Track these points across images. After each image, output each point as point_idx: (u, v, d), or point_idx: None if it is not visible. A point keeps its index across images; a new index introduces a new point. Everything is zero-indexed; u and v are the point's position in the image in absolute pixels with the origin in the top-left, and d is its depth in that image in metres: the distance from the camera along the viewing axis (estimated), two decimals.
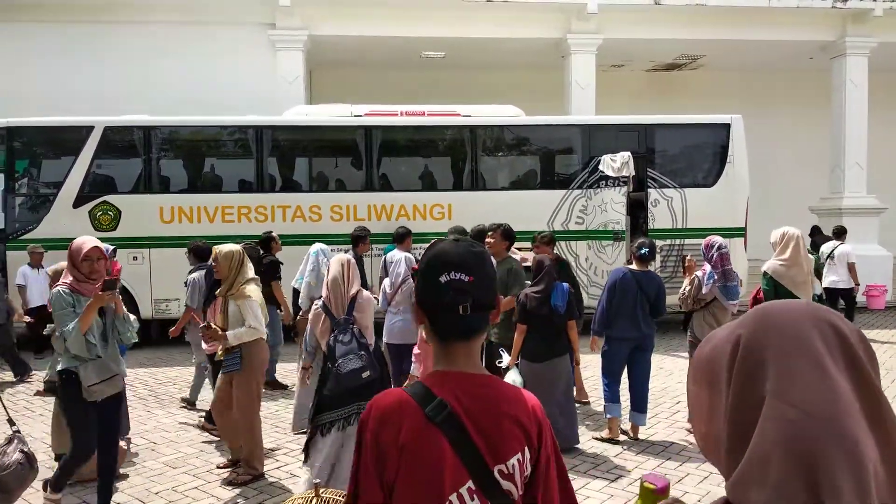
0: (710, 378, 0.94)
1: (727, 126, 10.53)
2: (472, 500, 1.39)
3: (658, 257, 10.37)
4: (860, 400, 0.83)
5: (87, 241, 3.98)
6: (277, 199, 10.00)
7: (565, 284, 5.51)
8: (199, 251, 6.62)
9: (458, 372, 1.45)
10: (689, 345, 5.86)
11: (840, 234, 10.44)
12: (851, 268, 10.03)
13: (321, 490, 3.44)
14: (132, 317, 4.17)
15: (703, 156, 10.82)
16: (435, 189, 10.51)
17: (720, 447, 0.91)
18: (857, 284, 10.15)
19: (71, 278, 3.96)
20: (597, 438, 5.67)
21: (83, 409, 3.96)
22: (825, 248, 10.37)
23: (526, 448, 1.44)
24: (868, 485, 0.79)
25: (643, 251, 5.70)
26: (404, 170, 10.93)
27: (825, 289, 10.16)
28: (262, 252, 7.68)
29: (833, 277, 10.05)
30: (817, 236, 12.49)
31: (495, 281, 1.53)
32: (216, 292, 4.96)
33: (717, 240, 5.72)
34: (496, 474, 1.41)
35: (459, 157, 10.69)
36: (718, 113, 10.90)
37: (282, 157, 10.65)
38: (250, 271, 4.85)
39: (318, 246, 7.25)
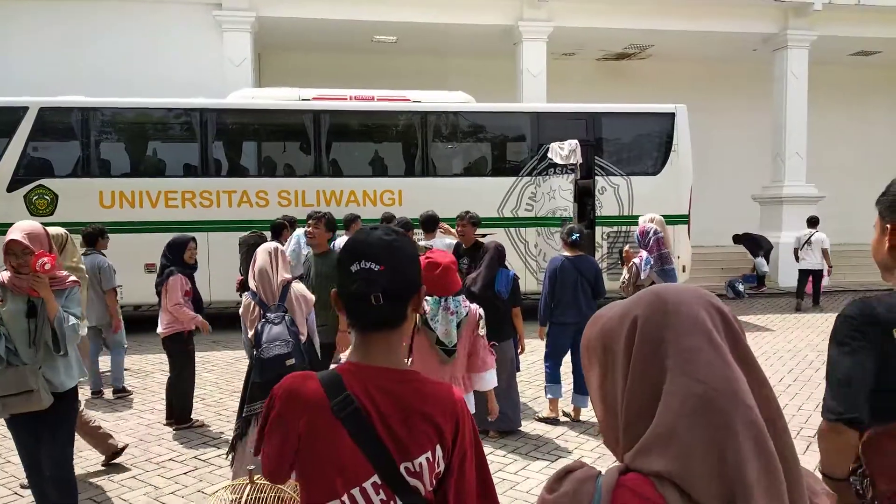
0: (603, 357, 0.98)
1: (672, 115, 10.75)
2: (378, 493, 1.38)
3: (605, 244, 10.59)
4: (744, 372, 0.90)
5: (12, 231, 3.37)
6: (223, 183, 9.80)
7: (511, 271, 5.60)
8: (87, 236, 6.61)
9: (373, 366, 1.42)
10: None
11: (814, 223, 11.47)
12: (825, 253, 11.22)
13: (255, 476, 3.42)
14: (73, 321, 3.46)
15: (648, 144, 11.03)
16: (385, 175, 10.46)
17: (617, 422, 0.94)
18: (831, 267, 11.42)
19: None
20: (538, 419, 5.77)
21: (10, 425, 3.54)
22: (801, 235, 11.50)
23: (438, 446, 1.41)
24: (772, 454, 0.85)
25: (574, 237, 5.85)
26: (353, 155, 10.83)
27: (800, 270, 11.42)
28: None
29: (809, 260, 11.30)
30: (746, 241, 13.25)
31: (413, 270, 1.48)
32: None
33: (650, 226, 5.90)
34: (402, 472, 1.38)
35: (409, 142, 10.65)
36: (665, 102, 11.11)
37: (228, 140, 10.42)
38: (74, 258, 4.52)
39: (301, 230, 7.13)
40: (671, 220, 10.53)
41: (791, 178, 14.44)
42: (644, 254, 5.76)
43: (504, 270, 5.48)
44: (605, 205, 10.56)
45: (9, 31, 12.01)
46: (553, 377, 5.79)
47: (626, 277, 5.83)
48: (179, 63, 12.16)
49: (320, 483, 1.38)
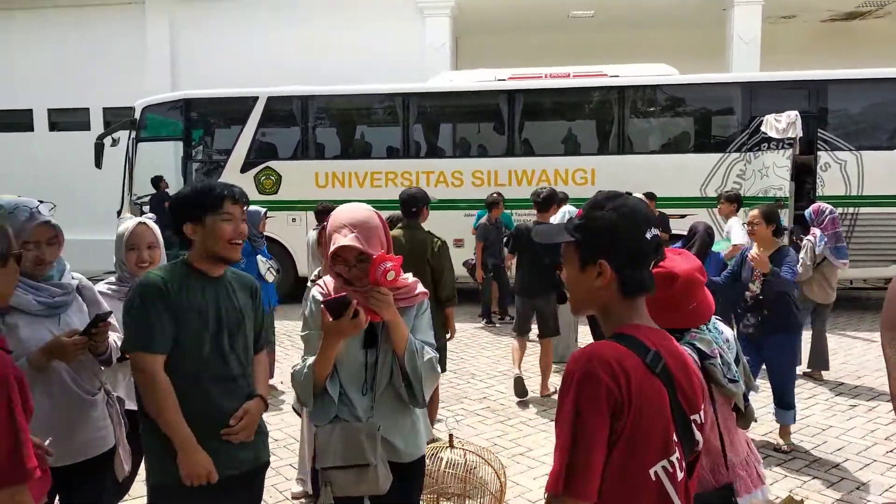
0: None
1: None
2: (676, 451, 1.43)
3: None
4: None
5: (337, 227, 2.17)
6: (422, 164, 10.26)
7: (720, 253, 5.34)
8: (317, 213, 7.07)
9: (647, 326, 1.47)
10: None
11: None
12: None
13: (455, 440, 3.58)
14: (430, 353, 2.23)
15: (885, 114, 9.63)
16: (578, 153, 10.27)
17: None
18: None
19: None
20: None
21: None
22: None
23: (705, 402, 1.53)
24: None
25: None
26: (547, 134, 10.76)
27: None
28: None
29: None
30: None
31: None
32: None
33: (826, 206, 6.31)
34: (692, 424, 1.45)
35: (605, 119, 10.33)
36: None
37: (427, 123, 10.88)
38: None
39: (567, 207, 7.37)
40: None
41: None
42: (817, 231, 6.01)
43: (714, 253, 5.17)
44: (829, 183, 9.43)
45: (230, 30, 13.60)
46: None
47: (803, 256, 5.91)
48: (384, 50, 12.92)
49: (653, 442, 1.38)
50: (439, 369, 2.28)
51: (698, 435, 1.46)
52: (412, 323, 2.25)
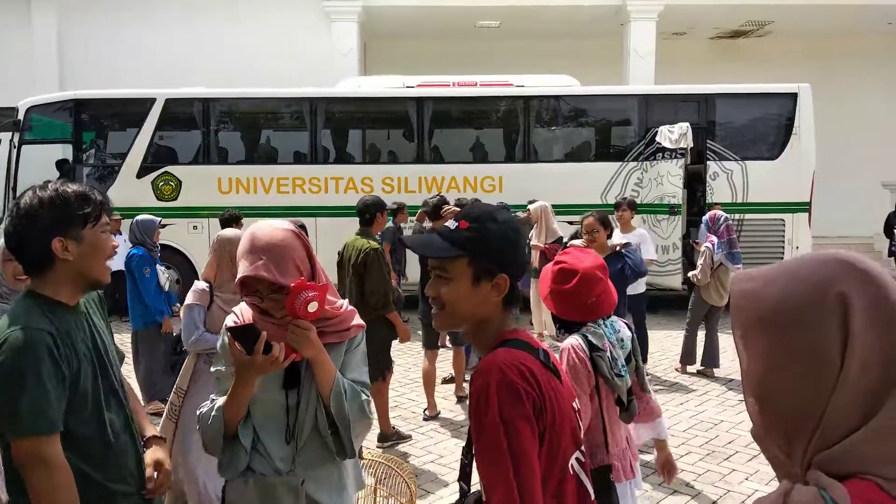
0: (781, 342, 0.82)
1: (794, 96, 10.04)
2: (582, 441, 1.51)
3: None
4: None
5: (242, 253, 1.85)
6: (330, 170, 10.11)
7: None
8: (223, 220, 6.78)
9: (520, 329, 1.51)
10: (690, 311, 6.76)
11: None
12: None
13: (363, 450, 3.53)
14: (362, 397, 1.90)
15: (766, 127, 10.38)
16: (486, 161, 10.45)
17: (792, 419, 0.82)
18: None
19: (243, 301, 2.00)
20: None
21: None
22: None
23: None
24: None
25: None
26: (455, 141, 10.88)
27: None
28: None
29: None
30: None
31: None
32: None
33: (721, 213, 6.64)
34: (576, 413, 1.50)
35: (511, 128, 10.57)
36: (786, 82, 10.41)
37: (335, 128, 10.74)
38: None
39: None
40: (790, 207, 9.94)
41: None
42: (714, 238, 6.36)
43: None
44: (717, 191, 10.05)
45: (126, 24, 12.97)
46: None
47: (702, 262, 6.38)
48: (291, 54, 12.66)
49: (565, 435, 1.41)
50: (372, 414, 1.96)
51: (581, 422, 1.53)
52: (342, 359, 1.93)
